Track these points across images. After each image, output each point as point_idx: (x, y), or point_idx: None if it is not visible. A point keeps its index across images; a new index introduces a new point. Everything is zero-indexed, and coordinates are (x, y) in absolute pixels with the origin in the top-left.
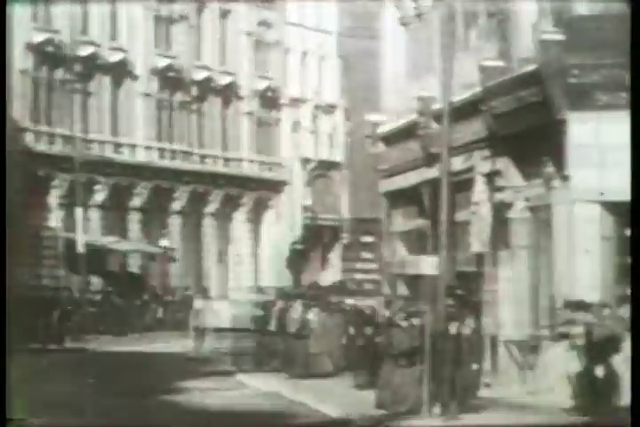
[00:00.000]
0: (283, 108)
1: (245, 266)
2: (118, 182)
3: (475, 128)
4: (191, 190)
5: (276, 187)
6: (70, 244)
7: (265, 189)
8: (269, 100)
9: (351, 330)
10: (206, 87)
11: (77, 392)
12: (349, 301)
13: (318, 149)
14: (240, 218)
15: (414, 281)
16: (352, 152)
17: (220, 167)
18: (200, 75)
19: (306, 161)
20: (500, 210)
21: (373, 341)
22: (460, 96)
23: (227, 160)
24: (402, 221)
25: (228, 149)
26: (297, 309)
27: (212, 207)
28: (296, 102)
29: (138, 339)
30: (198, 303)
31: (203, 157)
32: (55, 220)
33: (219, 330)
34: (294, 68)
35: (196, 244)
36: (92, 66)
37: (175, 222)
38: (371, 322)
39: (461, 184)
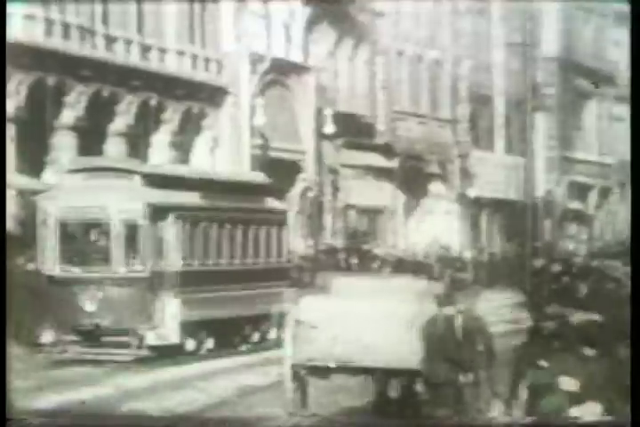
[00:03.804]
0: None
1: None
2: None
3: None
4: (92, 93)
5: (213, 96)
6: None
7: (198, 98)
8: None
9: None
10: None
11: None
12: None
13: (271, 42)
14: (161, 141)
15: None
16: None
17: (133, 59)
18: None
19: (256, 59)
20: None
21: None
22: None
23: (144, 49)
24: None
25: (145, 33)
26: None
27: (120, 123)
28: None
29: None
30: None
31: (109, 40)
32: None
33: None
34: None
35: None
36: None
37: (64, 143)
38: None
39: None
